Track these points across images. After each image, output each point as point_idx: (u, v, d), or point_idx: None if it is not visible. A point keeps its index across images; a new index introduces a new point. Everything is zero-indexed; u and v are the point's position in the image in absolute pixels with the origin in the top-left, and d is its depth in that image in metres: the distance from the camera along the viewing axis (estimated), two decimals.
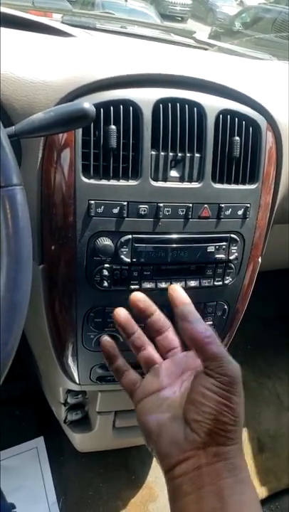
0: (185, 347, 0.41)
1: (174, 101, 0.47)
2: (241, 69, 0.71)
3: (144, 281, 0.50)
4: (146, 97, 0.46)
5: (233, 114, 0.50)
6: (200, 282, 0.53)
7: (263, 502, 1.00)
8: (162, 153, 0.47)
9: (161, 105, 0.46)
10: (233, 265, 0.54)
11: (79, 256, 0.48)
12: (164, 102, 0.46)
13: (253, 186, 0.52)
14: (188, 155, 0.48)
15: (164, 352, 0.40)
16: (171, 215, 0.49)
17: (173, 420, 0.34)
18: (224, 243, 0.52)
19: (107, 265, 0.49)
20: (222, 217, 0.51)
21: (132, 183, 0.47)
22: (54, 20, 0.75)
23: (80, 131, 0.44)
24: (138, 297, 0.41)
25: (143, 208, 0.47)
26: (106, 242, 0.47)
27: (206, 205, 0.50)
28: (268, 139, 0.53)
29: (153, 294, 0.45)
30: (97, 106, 0.42)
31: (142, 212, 0.48)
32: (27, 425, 1.01)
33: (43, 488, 0.91)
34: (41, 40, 0.55)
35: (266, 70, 0.78)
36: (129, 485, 0.96)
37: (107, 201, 0.46)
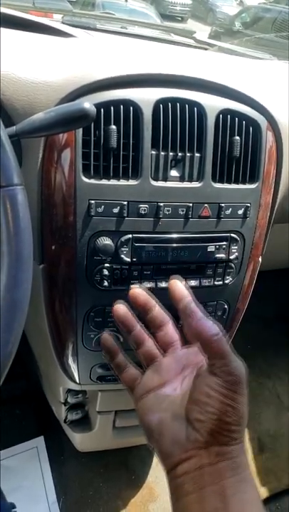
0: (185, 342, 0.40)
1: (174, 101, 0.47)
2: (241, 69, 0.71)
3: (145, 281, 0.51)
4: (146, 97, 0.46)
5: (234, 113, 0.50)
6: (200, 282, 0.53)
7: (263, 502, 1.00)
8: (162, 153, 0.47)
9: (161, 105, 0.46)
10: (233, 265, 0.55)
11: (79, 255, 0.48)
12: (164, 101, 0.46)
13: (253, 186, 0.52)
14: (188, 155, 0.48)
15: (165, 347, 0.40)
16: (172, 214, 0.49)
17: (174, 419, 0.33)
18: (224, 243, 0.53)
19: (107, 265, 0.49)
20: (222, 216, 0.51)
21: (132, 182, 0.47)
22: (54, 21, 0.75)
23: (80, 131, 0.44)
24: (137, 292, 0.40)
25: (143, 207, 0.47)
26: (106, 241, 0.47)
27: (206, 205, 0.50)
28: (268, 138, 0.53)
29: (153, 294, 0.45)
30: (98, 106, 0.42)
31: (142, 212, 0.48)
32: (27, 425, 1.01)
33: (43, 487, 0.91)
34: (42, 40, 0.55)
35: (266, 70, 0.78)
36: (129, 485, 0.96)
37: (107, 201, 0.46)
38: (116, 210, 0.47)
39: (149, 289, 0.50)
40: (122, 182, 0.46)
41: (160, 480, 0.98)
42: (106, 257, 0.48)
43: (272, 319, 1.44)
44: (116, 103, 0.45)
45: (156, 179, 0.48)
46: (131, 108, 0.45)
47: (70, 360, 0.57)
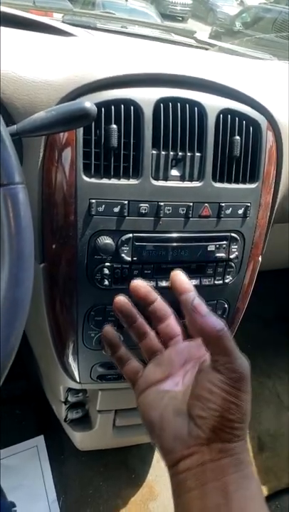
0: (188, 336, 0.40)
1: (174, 100, 0.47)
2: (242, 69, 0.72)
3: (145, 280, 0.50)
4: (147, 97, 0.46)
5: (234, 113, 0.50)
6: (200, 281, 0.53)
7: None
8: (163, 153, 0.47)
9: (162, 105, 0.46)
10: (233, 264, 0.55)
11: (80, 255, 0.48)
12: (164, 101, 0.47)
13: (253, 185, 0.53)
14: (188, 154, 0.48)
15: (167, 340, 0.40)
16: (172, 214, 0.49)
17: (176, 415, 0.33)
18: (224, 242, 0.53)
19: (107, 264, 0.49)
20: (222, 216, 0.51)
21: (132, 182, 0.47)
22: (55, 20, 0.75)
23: (81, 130, 0.44)
24: (138, 284, 0.40)
25: (144, 206, 0.48)
26: (107, 240, 0.47)
27: (206, 204, 0.50)
28: (268, 138, 0.53)
29: None
30: (99, 105, 0.42)
31: (143, 211, 0.48)
32: (27, 424, 1.01)
33: (43, 486, 0.92)
34: (42, 39, 0.55)
35: (266, 70, 0.78)
36: (129, 484, 0.96)
37: (107, 200, 0.46)
38: (116, 210, 0.47)
39: None
40: (123, 181, 0.47)
41: (160, 479, 0.98)
42: (106, 256, 0.48)
43: (272, 319, 1.44)
44: (117, 102, 0.45)
45: (156, 178, 0.48)
46: (132, 107, 0.45)
47: (71, 359, 0.57)
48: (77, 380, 0.60)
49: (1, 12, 0.59)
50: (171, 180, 0.49)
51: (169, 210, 0.49)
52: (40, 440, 0.98)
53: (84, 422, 0.76)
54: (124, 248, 0.48)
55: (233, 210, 0.52)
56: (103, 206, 0.46)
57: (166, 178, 0.48)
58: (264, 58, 0.97)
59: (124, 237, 0.48)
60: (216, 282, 0.55)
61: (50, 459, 0.96)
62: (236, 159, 0.51)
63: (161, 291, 0.48)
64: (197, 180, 0.49)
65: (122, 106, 0.45)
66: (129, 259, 0.49)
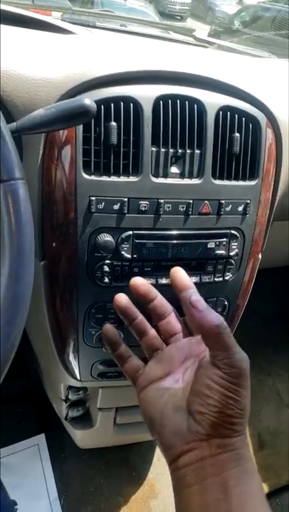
0: (189, 333, 0.40)
1: (174, 97, 0.47)
2: (241, 66, 0.72)
3: (145, 277, 0.50)
4: (146, 94, 0.46)
5: (233, 110, 0.50)
6: (200, 278, 0.54)
7: None
8: (163, 150, 0.47)
9: (161, 102, 0.46)
10: (233, 261, 0.55)
11: (80, 252, 0.48)
12: (164, 98, 0.47)
13: (252, 182, 0.53)
14: (188, 151, 0.48)
15: (167, 337, 0.40)
16: (172, 211, 0.49)
17: (176, 411, 0.33)
18: (224, 239, 0.53)
19: (107, 261, 0.49)
20: (222, 213, 0.51)
21: (132, 179, 0.47)
22: (54, 18, 0.75)
23: (80, 127, 0.44)
24: (138, 282, 0.40)
25: (144, 204, 0.48)
26: (107, 238, 0.47)
27: (206, 202, 0.50)
28: (267, 135, 0.53)
29: None
30: (98, 102, 0.42)
31: (143, 209, 0.48)
32: (28, 422, 1.01)
33: (45, 485, 0.92)
34: (42, 37, 0.55)
35: (266, 68, 0.78)
36: (130, 482, 0.97)
37: (107, 197, 0.46)
38: (116, 207, 0.47)
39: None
40: (123, 179, 0.47)
41: (161, 477, 0.98)
42: (107, 254, 0.48)
43: (271, 317, 1.44)
44: (116, 100, 0.45)
45: (156, 176, 0.48)
46: (131, 105, 0.45)
47: (71, 357, 0.57)
48: (78, 377, 0.60)
49: (1, 10, 0.59)
50: (170, 178, 0.49)
51: (168, 207, 0.49)
52: (40, 438, 0.98)
53: (85, 420, 0.76)
54: (124, 245, 0.48)
55: (233, 207, 0.52)
56: (103, 204, 0.46)
57: (165, 176, 0.48)
58: (263, 56, 0.97)
59: (124, 235, 0.48)
60: (215, 279, 0.55)
61: (51, 457, 0.96)
62: (236, 156, 0.51)
63: (161, 288, 0.48)
64: (197, 178, 0.50)
65: (122, 103, 0.45)
66: (129, 256, 0.49)
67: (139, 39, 0.79)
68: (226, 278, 0.55)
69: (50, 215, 0.47)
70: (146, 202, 0.48)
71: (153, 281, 0.51)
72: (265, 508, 0.31)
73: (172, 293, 0.41)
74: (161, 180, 0.48)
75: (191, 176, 0.49)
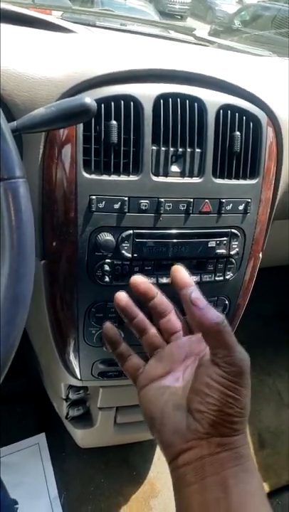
0: (190, 331, 0.40)
1: (174, 96, 0.47)
2: (242, 64, 0.71)
3: (145, 277, 0.51)
4: (147, 93, 0.46)
5: (234, 109, 0.50)
6: (201, 277, 0.53)
7: None
8: (163, 149, 0.47)
9: (161, 100, 0.46)
10: (234, 260, 0.55)
11: (80, 251, 0.48)
12: (164, 97, 0.46)
13: (253, 181, 0.53)
14: (188, 150, 0.48)
15: (168, 335, 0.40)
16: (172, 210, 0.49)
17: (176, 409, 0.33)
18: (225, 238, 0.53)
19: (108, 260, 0.49)
20: (223, 212, 0.51)
21: (132, 178, 0.47)
22: (54, 17, 0.75)
23: (80, 126, 0.44)
24: (138, 280, 0.40)
25: (144, 203, 0.48)
26: (107, 237, 0.47)
27: (206, 200, 0.50)
28: (268, 134, 0.53)
29: None
30: (98, 101, 0.42)
31: (143, 208, 0.48)
32: (28, 422, 1.01)
33: (45, 484, 0.92)
34: (42, 36, 0.55)
35: (266, 66, 0.78)
36: (130, 481, 0.97)
37: (108, 196, 0.46)
38: (117, 206, 0.47)
39: None
40: (123, 177, 0.46)
41: (161, 476, 0.98)
42: (107, 253, 0.48)
43: (271, 316, 1.44)
44: (116, 98, 0.45)
45: (156, 175, 0.48)
46: (131, 103, 0.45)
47: (72, 356, 0.57)
48: (78, 377, 0.60)
49: (1, 9, 0.59)
50: (171, 176, 0.48)
51: (169, 206, 0.49)
52: (41, 438, 0.98)
53: (85, 420, 0.76)
54: (124, 245, 0.48)
55: (234, 206, 0.52)
56: (103, 203, 0.46)
57: (166, 174, 0.48)
58: (264, 55, 0.97)
59: (124, 234, 0.48)
60: (216, 278, 0.55)
61: (51, 456, 0.96)
62: (236, 155, 0.51)
63: (161, 287, 0.48)
64: (197, 176, 0.49)
65: (122, 102, 0.45)
66: (129, 255, 0.49)
67: (139, 38, 0.79)
68: (227, 277, 0.55)
69: (51, 214, 0.47)
70: (147, 201, 0.48)
71: (153, 280, 0.51)
72: (265, 507, 0.31)
73: (173, 292, 0.41)
74: (161, 179, 0.48)
75: (191, 175, 0.49)
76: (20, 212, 0.27)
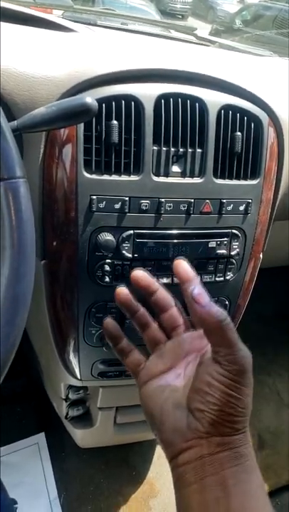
0: (192, 326, 0.40)
1: (175, 96, 0.47)
2: (243, 65, 0.71)
3: None
4: (148, 92, 0.46)
5: (235, 109, 0.50)
6: (201, 278, 0.53)
7: None
8: (164, 149, 0.47)
9: (162, 100, 0.46)
10: (234, 261, 0.55)
11: (81, 251, 0.48)
12: (165, 97, 0.46)
13: (254, 182, 0.52)
14: (189, 150, 0.48)
15: (169, 330, 0.39)
16: (173, 210, 0.49)
17: (175, 407, 0.33)
18: (226, 239, 0.53)
19: (108, 260, 0.49)
20: (223, 212, 0.51)
21: (133, 178, 0.47)
22: (55, 16, 0.75)
23: (81, 126, 0.44)
24: (139, 275, 0.39)
25: (145, 203, 0.47)
26: (108, 237, 0.47)
27: (207, 201, 0.50)
28: (269, 134, 0.52)
29: None
30: (99, 101, 0.42)
31: (144, 208, 0.48)
32: (28, 421, 1.01)
33: (45, 483, 0.92)
34: (43, 35, 0.55)
35: (267, 66, 0.78)
36: (130, 481, 0.97)
37: (108, 196, 0.46)
38: (117, 206, 0.47)
39: None
40: (124, 177, 0.46)
41: (161, 476, 0.98)
42: (107, 253, 0.48)
43: (271, 317, 1.44)
44: (117, 98, 0.45)
45: (157, 175, 0.48)
46: (132, 103, 0.45)
47: (72, 356, 0.57)
48: (78, 377, 0.60)
49: (2, 7, 0.59)
50: (172, 177, 0.48)
51: (170, 206, 0.49)
52: (41, 437, 0.98)
53: (85, 420, 0.76)
54: (125, 245, 0.48)
55: (235, 206, 0.52)
56: (104, 202, 0.46)
57: (167, 175, 0.48)
58: (265, 55, 0.96)
59: (125, 234, 0.48)
60: (216, 279, 0.55)
61: (51, 456, 0.96)
62: (237, 155, 0.51)
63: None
64: (198, 177, 0.49)
65: (123, 102, 0.45)
66: (130, 255, 0.49)
67: (140, 37, 0.79)
68: (227, 278, 0.55)
69: (51, 213, 0.47)
70: (148, 201, 0.47)
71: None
72: (266, 507, 0.31)
73: (173, 291, 0.41)
74: (162, 179, 0.48)
75: (192, 175, 0.49)
76: (20, 211, 0.27)
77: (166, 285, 0.48)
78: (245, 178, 0.52)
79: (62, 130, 0.44)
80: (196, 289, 0.33)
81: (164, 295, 0.40)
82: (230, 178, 0.51)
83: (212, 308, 0.32)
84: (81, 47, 0.52)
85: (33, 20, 0.59)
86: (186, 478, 0.31)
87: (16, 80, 0.43)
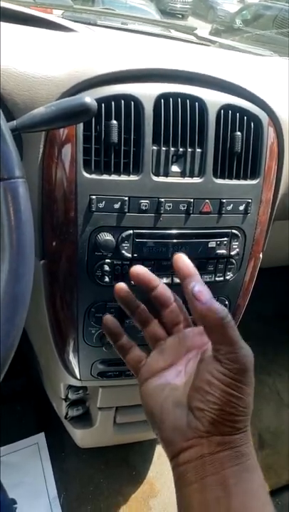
0: (193, 323, 0.39)
1: (175, 96, 0.47)
2: (243, 64, 0.71)
3: None
4: (147, 92, 0.46)
5: (235, 109, 0.50)
6: (201, 278, 0.53)
7: None
8: (163, 148, 0.47)
9: (162, 100, 0.46)
10: (234, 261, 0.54)
11: (80, 251, 0.48)
12: (165, 96, 0.46)
13: (254, 182, 0.52)
14: (189, 150, 0.48)
15: (170, 327, 0.38)
16: (173, 210, 0.49)
17: (176, 406, 0.33)
18: (225, 239, 0.52)
19: (108, 260, 0.49)
20: (223, 212, 0.51)
21: (133, 178, 0.47)
22: (55, 16, 0.75)
23: (81, 126, 0.44)
24: (139, 270, 0.39)
25: (144, 203, 0.47)
26: (107, 237, 0.47)
27: (207, 201, 0.50)
28: (269, 134, 0.52)
29: None
30: (99, 101, 0.42)
31: (143, 208, 0.48)
32: (28, 421, 1.01)
33: (44, 483, 0.92)
34: (43, 35, 0.55)
35: (267, 66, 0.78)
36: (130, 481, 0.97)
37: (108, 196, 0.46)
38: (117, 206, 0.47)
39: None
40: (123, 177, 0.46)
41: (161, 476, 0.98)
42: (107, 253, 0.48)
43: (271, 317, 1.44)
44: (117, 98, 0.45)
45: (157, 175, 0.48)
46: (132, 103, 0.45)
47: (71, 356, 0.57)
48: (78, 377, 0.60)
49: (2, 7, 0.59)
50: (171, 177, 0.48)
51: (169, 206, 0.48)
52: (40, 437, 0.98)
53: (84, 420, 0.76)
54: (124, 245, 0.48)
55: (234, 206, 0.52)
56: (103, 202, 0.46)
57: (166, 174, 0.48)
58: (265, 55, 0.96)
59: (124, 234, 0.48)
60: (216, 279, 0.54)
61: (50, 456, 0.96)
62: (237, 155, 0.51)
63: None
64: (198, 176, 0.49)
65: (123, 101, 0.45)
66: (129, 255, 0.49)
67: (140, 37, 0.79)
68: (227, 278, 0.55)
69: (51, 213, 0.47)
70: (147, 201, 0.47)
71: None
72: (267, 506, 0.30)
73: (174, 291, 0.41)
74: (161, 179, 0.48)
75: (192, 175, 0.49)
76: (19, 212, 0.27)
77: (166, 285, 0.49)
78: (244, 177, 0.52)
79: (61, 130, 0.44)
80: (197, 285, 0.33)
81: (164, 290, 0.39)
82: (230, 177, 0.51)
83: (213, 305, 0.31)
84: (81, 47, 0.52)
85: (33, 20, 0.59)
86: (186, 478, 0.31)
87: (16, 79, 0.43)
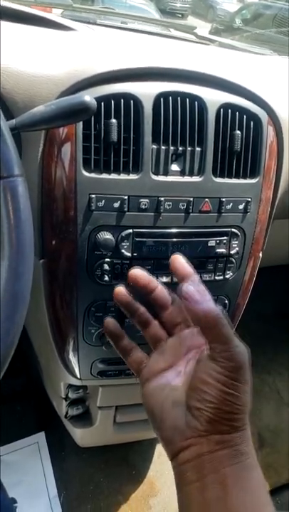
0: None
1: (174, 94, 0.47)
2: (242, 63, 0.71)
3: None
4: (147, 91, 0.46)
5: (234, 108, 0.50)
6: (201, 277, 0.53)
7: None
8: (163, 147, 0.47)
9: (162, 99, 0.46)
10: (234, 260, 0.54)
11: (80, 250, 0.48)
12: (164, 95, 0.46)
13: (254, 180, 0.52)
14: (189, 149, 0.48)
15: (170, 327, 0.39)
16: (172, 209, 0.49)
17: (175, 406, 0.33)
18: (225, 237, 0.52)
19: (107, 259, 0.49)
20: (223, 211, 0.51)
21: (132, 177, 0.47)
22: (55, 15, 0.75)
23: (80, 125, 0.44)
24: (137, 273, 0.39)
25: (144, 202, 0.47)
26: (107, 236, 0.47)
27: (206, 200, 0.50)
28: (269, 133, 0.52)
29: None
30: (98, 99, 0.42)
31: (143, 207, 0.48)
32: (28, 420, 1.01)
33: (44, 482, 0.92)
34: (42, 33, 0.55)
35: (267, 65, 0.78)
36: (130, 480, 0.97)
37: (107, 195, 0.46)
38: (116, 205, 0.47)
39: None
40: (123, 176, 0.46)
41: (161, 475, 0.98)
42: (107, 252, 0.48)
43: (271, 315, 1.44)
44: (116, 97, 0.45)
45: (156, 173, 0.48)
46: (131, 102, 0.45)
47: (71, 355, 0.57)
48: (78, 376, 0.60)
49: (2, 6, 0.59)
50: (171, 175, 0.48)
51: (169, 205, 0.48)
52: (40, 436, 0.98)
53: (84, 419, 0.76)
54: (124, 244, 0.48)
55: (234, 205, 0.52)
56: (103, 201, 0.46)
57: (166, 173, 0.48)
58: (264, 54, 0.96)
59: (124, 233, 0.48)
60: (216, 278, 0.54)
61: (50, 455, 0.96)
62: (237, 154, 0.51)
63: None
64: (197, 175, 0.49)
65: (122, 100, 0.45)
66: (129, 254, 0.49)
67: (139, 36, 0.79)
68: (227, 276, 0.55)
69: (50, 212, 0.47)
70: (147, 200, 0.47)
71: None
72: (267, 505, 0.30)
73: (174, 291, 0.41)
74: (161, 178, 0.48)
75: (191, 174, 0.49)
76: (18, 210, 0.27)
77: (165, 284, 0.48)
78: (244, 176, 0.52)
79: (61, 129, 0.44)
80: (185, 286, 0.32)
81: (163, 292, 0.39)
82: (230, 176, 0.51)
83: (204, 303, 0.31)
84: (80, 46, 0.52)
85: (33, 19, 0.59)
86: (186, 477, 0.31)
87: (15, 78, 0.43)
